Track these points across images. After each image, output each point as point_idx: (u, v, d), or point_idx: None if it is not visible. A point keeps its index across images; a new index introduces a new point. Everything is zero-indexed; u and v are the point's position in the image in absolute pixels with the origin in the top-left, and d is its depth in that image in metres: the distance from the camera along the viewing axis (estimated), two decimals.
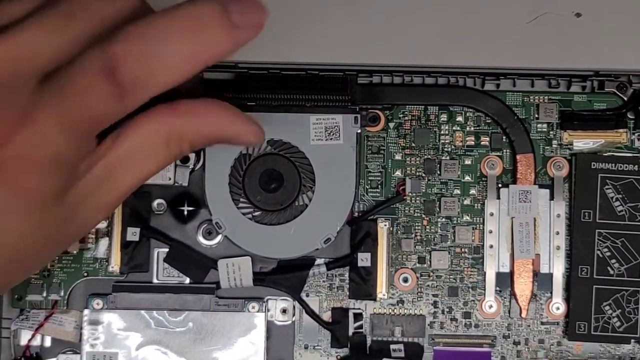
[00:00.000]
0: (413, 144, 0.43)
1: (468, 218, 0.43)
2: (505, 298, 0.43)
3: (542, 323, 0.43)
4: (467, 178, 0.43)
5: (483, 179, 0.43)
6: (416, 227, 0.43)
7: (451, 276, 0.43)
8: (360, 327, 0.43)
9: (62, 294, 0.43)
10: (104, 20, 0.29)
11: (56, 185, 0.28)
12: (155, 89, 0.29)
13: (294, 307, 0.43)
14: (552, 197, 0.42)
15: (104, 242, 0.43)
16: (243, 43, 0.29)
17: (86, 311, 0.42)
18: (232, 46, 0.29)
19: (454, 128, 0.43)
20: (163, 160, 0.31)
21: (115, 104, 0.28)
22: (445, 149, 0.43)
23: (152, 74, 0.28)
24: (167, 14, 0.28)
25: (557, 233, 0.42)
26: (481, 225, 0.43)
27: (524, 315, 0.42)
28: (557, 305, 0.42)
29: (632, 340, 0.42)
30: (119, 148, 0.30)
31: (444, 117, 0.43)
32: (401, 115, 0.43)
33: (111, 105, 0.28)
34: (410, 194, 0.43)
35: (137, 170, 0.31)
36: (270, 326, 0.43)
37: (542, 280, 0.43)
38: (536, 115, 0.43)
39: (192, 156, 0.42)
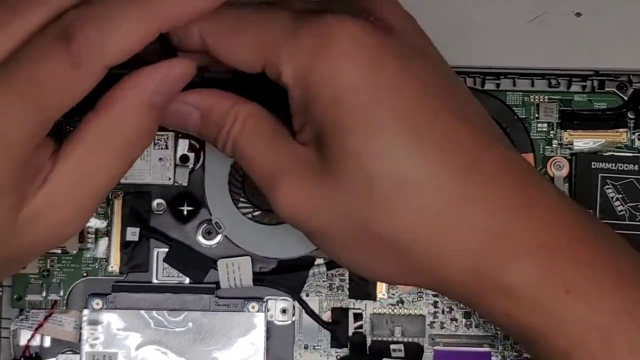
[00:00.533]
0: None
1: None
2: None
3: None
4: None
5: None
6: None
7: None
8: (360, 327, 0.43)
9: (61, 294, 0.43)
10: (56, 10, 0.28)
11: (13, 177, 0.27)
12: (112, 54, 0.28)
13: (293, 307, 0.43)
14: None
15: (103, 242, 0.43)
16: (200, 8, 0.29)
17: (86, 311, 0.42)
18: (187, 10, 0.28)
19: None
20: (115, 168, 0.30)
21: (69, 74, 0.27)
22: None
23: (105, 37, 0.27)
24: None
25: None
26: None
27: None
28: None
29: None
30: (62, 165, 0.28)
31: None
32: None
33: (65, 74, 0.27)
34: None
35: (86, 187, 0.29)
36: (270, 326, 0.43)
37: None
38: (536, 115, 0.43)
39: (192, 156, 0.42)
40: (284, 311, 0.43)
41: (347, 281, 0.43)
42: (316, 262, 0.42)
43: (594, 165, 0.42)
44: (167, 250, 0.42)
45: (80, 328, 0.42)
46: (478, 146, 0.30)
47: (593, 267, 0.30)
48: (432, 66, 0.31)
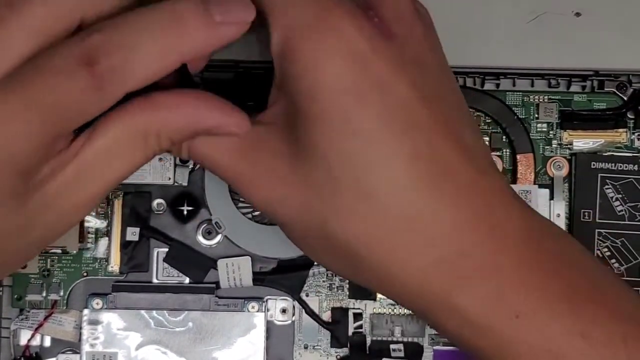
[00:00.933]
0: None
1: None
2: None
3: None
4: None
5: None
6: None
7: None
8: (360, 327, 0.43)
9: (61, 293, 0.43)
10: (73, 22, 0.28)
11: (14, 186, 0.27)
12: (133, 82, 0.28)
13: (293, 307, 0.43)
14: (552, 197, 0.42)
15: (103, 242, 0.43)
16: (225, 40, 0.28)
17: (86, 311, 0.42)
18: (212, 42, 0.28)
19: None
20: (140, 158, 0.30)
21: (90, 97, 0.27)
22: None
23: (129, 65, 0.27)
24: (146, 8, 0.28)
25: None
26: None
27: None
28: None
29: None
30: (91, 146, 0.28)
31: None
32: None
33: (87, 97, 0.27)
34: None
35: (114, 168, 0.29)
36: (270, 326, 0.43)
37: None
38: (536, 115, 0.43)
39: None
40: (283, 311, 0.43)
41: (347, 281, 0.43)
42: (316, 262, 0.42)
43: (594, 165, 0.42)
44: (167, 250, 0.42)
45: (80, 328, 0.42)
46: (458, 159, 0.29)
47: (545, 290, 0.29)
48: (428, 76, 0.30)
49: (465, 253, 0.29)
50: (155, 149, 0.30)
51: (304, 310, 0.43)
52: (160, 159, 0.42)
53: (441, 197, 0.29)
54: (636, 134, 0.43)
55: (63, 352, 0.43)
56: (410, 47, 0.30)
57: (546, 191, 0.42)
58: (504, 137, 0.43)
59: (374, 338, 0.43)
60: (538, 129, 0.43)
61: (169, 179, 0.42)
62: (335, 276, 0.43)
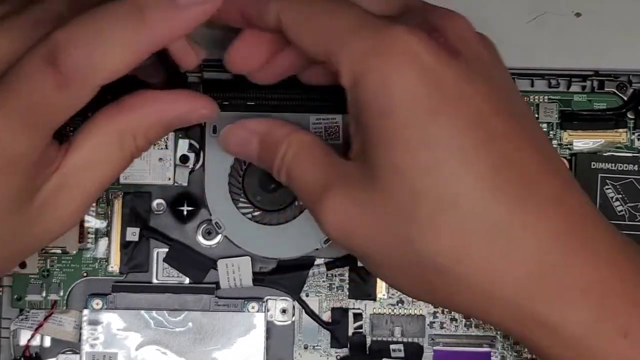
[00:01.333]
0: None
1: None
2: None
3: None
4: None
5: None
6: None
7: None
8: (360, 327, 0.43)
9: (61, 294, 0.43)
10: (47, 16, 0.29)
11: (13, 187, 0.28)
12: (101, 75, 0.28)
13: (293, 307, 0.43)
14: None
15: (103, 242, 0.43)
16: (193, 23, 0.29)
17: (86, 311, 0.42)
18: (178, 27, 0.29)
19: None
20: (120, 162, 0.31)
21: (59, 94, 0.28)
22: None
23: (94, 60, 0.28)
24: (107, 3, 0.28)
25: None
26: None
27: None
28: None
29: None
30: (71, 157, 0.30)
31: None
32: None
33: (56, 95, 0.28)
34: None
35: (94, 177, 0.30)
36: (270, 326, 0.43)
37: None
38: (536, 115, 0.43)
39: (192, 156, 0.42)
40: (283, 311, 0.43)
41: (347, 281, 0.43)
42: (316, 262, 0.42)
43: (594, 165, 0.42)
44: (167, 250, 0.42)
45: (80, 328, 0.42)
46: (540, 170, 0.29)
47: None
48: (498, 91, 0.29)
49: (562, 265, 0.28)
50: (132, 150, 0.31)
51: (304, 311, 0.43)
52: (160, 159, 0.42)
53: (529, 208, 0.28)
54: (636, 134, 0.43)
55: (63, 353, 0.43)
56: (477, 65, 0.30)
57: None
58: None
59: (374, 338, 0.43)
60: None
61: (169, 179, 0.42)
62: (335, 276, 0.43)
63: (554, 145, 0.43)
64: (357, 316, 0.43)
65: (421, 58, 0.28)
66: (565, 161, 0.42)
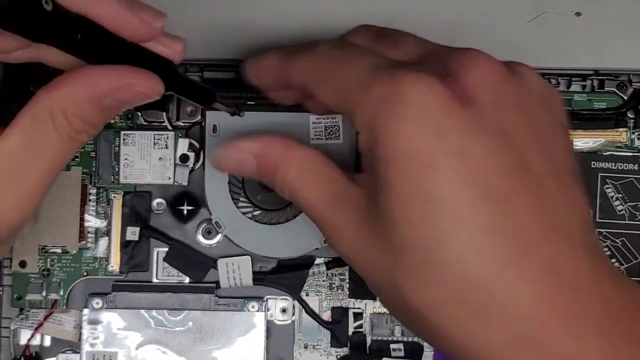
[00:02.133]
0: None
1: None
2: None
3: None
4: None
5: None
6: None
7: None
8: (360, 326, 0.43)
9: (61, 293, 0.43)
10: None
11: None
12: None
13: (293, 306, 0.43)
14: None
15: (103, 242, 0.43)
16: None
17: (86, 310, 0.42)
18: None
19: None
20: (59, 146, 0.29)
21: None
22: None
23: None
24: None
25: None
26: None
27: None
28: None
29: None
30: (4, 140, 0.28)
31: None
32: None
33: None
34: None
35: (32, 162, 0.29)
36: (270, 325, 0.43)
37: None
38: None
39: (192, 155, 0.42)
40: (283, 311, 0.43)
41: (347, 281, 0.43)
42: (316, 262, 0.42)
43: (594, 164, 0.42)
44: (167, 249, 0.43)
45: (80, 327, 0.42)
46: (535, 236, 0.27)
47: None
48: (514, 145, 0.28)
49: (536, 340, 0.27)
50: (68, 130, 0.29)
51: (304, 310, 0.43)
52: (160, 159, 0.42)
53: (516, 274, 0.27)
54: (636, 134, 0.43)
55: (63, 352, 0.43)
56: (494, 114, 0.29)
57: None
58: None
59: (374, 337, 0.43)
60: None
61: (169, 178, 0.42)
62: (335, 276, 0.43)
63: None
64: (357, 315, 0.43)
65: (428, 108, 0.27)
66: None
